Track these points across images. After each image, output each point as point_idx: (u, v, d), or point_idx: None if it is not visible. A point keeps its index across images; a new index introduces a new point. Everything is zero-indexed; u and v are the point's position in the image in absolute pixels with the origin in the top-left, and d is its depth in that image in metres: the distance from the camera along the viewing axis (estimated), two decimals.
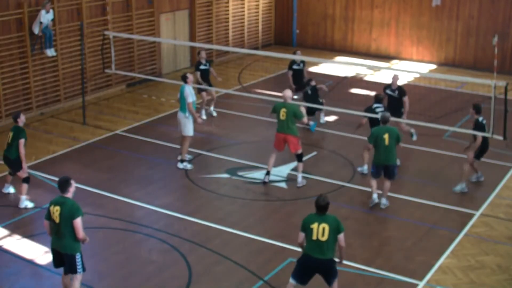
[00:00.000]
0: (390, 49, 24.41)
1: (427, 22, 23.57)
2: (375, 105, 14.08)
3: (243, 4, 24.78)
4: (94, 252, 11.00)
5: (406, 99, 15.03)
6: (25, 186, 12.40)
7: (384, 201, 12.60)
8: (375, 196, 12.64)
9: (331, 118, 17.69)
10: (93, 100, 19.06)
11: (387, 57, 24.21)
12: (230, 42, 24.27)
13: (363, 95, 19.94)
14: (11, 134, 12.28)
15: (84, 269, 9.04)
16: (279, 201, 12.90)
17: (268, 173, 13.62)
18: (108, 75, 19.51)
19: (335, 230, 8.74)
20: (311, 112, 16.65)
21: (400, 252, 11.08)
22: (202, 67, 17.43)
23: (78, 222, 8.69)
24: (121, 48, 19.77)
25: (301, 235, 8.83)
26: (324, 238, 8.66)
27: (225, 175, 14.06)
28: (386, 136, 12.24)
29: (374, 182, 12.62)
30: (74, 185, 8.89)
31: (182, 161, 14.32)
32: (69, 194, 8.83)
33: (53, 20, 17.48)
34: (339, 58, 24.36)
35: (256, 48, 25.35)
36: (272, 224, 11.98)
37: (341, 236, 8.81)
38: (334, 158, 15.15)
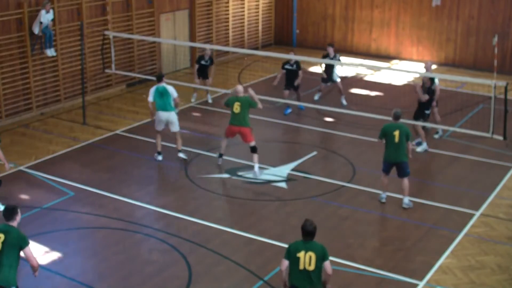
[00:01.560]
0: (390, 49, 24.40)
1: (427, 22, 23.56)
2: None
3: (243, 4, 24.78)
4: (94, 252, 11.01)
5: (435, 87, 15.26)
6: None
7: (406, 200, 12.56)
8: (384, 195, 12.69)
9: (331, 118, 17.69)
10: (93, 100, 19.06)
11: (387, 57, 24.21)
12: (230, 42, 24.27)
13: (363, 95, 19.95)
14: None
15: None
16: (279, 201, 12.90)
17: (221, 155, 14.41)
18: (108, 75, 19.51)
19: (321, 258, 8.21)
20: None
21: (400, 252, 11.08)
22: (203, 62, 18.04)
23: (29, 250, 8.23)
24: (121, 48, 19.77)
25: (285, 263, 8.25)
26: (311, 268, 8.13)
27: (225, 175, 14.06)
28: (396, 133, 12.20)
29: (386, 179, 12.65)
30: (20, 214, 8.47)
31: (179, 151, 14.75)
32: (15, 223, 8.34)
33: (53, 20, 17.48)
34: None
35: (256, 48, 25.34)
36: (272, 224, 11.98)
37: (327, 264, 8.24)
38: (334, 158, 15.15)
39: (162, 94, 14.26)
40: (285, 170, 14.28)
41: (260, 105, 14.00)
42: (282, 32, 26.67)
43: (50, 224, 11.90)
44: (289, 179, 13.90)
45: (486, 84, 13.23)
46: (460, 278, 10.27)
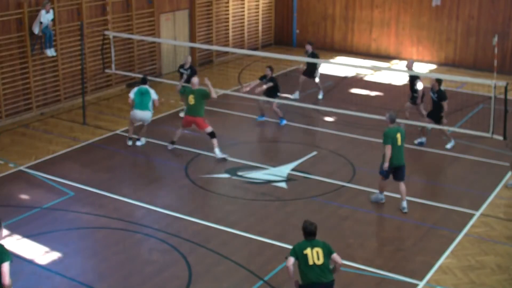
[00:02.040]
0: (390, 49, 24.40)
1: (427, 22, 23.57)
2: None
3: (243, 4, 24.78)
4: (94, 252, 11.01)
5: (445, 103, 15.07)
6: None
7: (404, 204, 12.45)
8: (382, 196, 12.65)
9: (331, 118, 17.69)
10: (93, 100, 19.06)
11: (387, 57, 24.21)
12: (230, 42, 24.27)
13: (363, 95, 19.95)
14: None
15: None
16: (279, 201, 12.90)
17: (173, 142, 15.28)
18: (108, 75, 19.51)
19: (328, 253, 8.53)
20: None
21: (400, 252, 11.08)
22: (182, 70, 17.46)
23: (6, 267, 7.83)
24: (121, 48, 19.77)
25: (291, 259, 8.44)
26: (320, 262, 8.44)
27: (225, 175, 14.07)
28: (398, 136, 12.11)
29: (385, 184, 12.51)
30: (3, 228, 8.19)
31: (138, 139, 15.64)
32: None
33: (53, 20, 17.48)
34: (339, 58, 24.36)
35: (256, 48, 25.34)
36: (272, 224, 11.98)
37: (335, 256, 8.53)
38: (334, 158, 15.15)
39: (143, 94, 15.29)
40: (285, 170, 14.28)
41: (213, 95, 14.85)
42: (282, 32, 26.67)
43: (50, 224, 11.90)
44: (289, 179, 13.90)
45: (486, 84, 13.23)
46: (460, 278, 10.27)
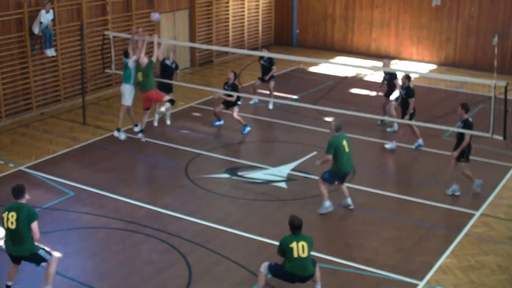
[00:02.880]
0: (390, 49, 24.40)
1: (427, 22, 23.57)
2: None
3: (243, 4, 24.78)
4: (94, 252, 11.01)
5: (411, 100, 15.06)
6: None
7: (349, 200, 12.48)
8: (330, 203, 12.38)
9: (331, 118, 17.68)
10: (93, 100, 19.06)
11: (387, 57, 24.13)
12: (230, 42, 24.26)
13: (363, 95, 19.95)
14: None
15: (51, 255, 9.37)
16: (279, 201, 12.90)
17: (137, 125, 15.74)
18: (108, 75, 19.51)
19: (311, 246, 9.25)
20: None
21: (400, 252, 11.08)
22: (167, 61, 17.03)
23: (35, 225, 9.07)
24: (121, 48, 19.74)
25: (283, 260, 9.26)
26: (305, 255, 9.12)
27: (225, 175, 14.07)
28: (344, 143, 12.15)
29: (327, 189, 12.30)
30: (27, 195, 9.30)
31: (118, 129, 15.79)
32: (24, 200, 9.21)
33: (53, 20, 17.47)
34: (339, 58, 24.36)
35: (256, 48, 25.35)
36: (272, 224, 11.98)
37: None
38: None
39: (124, 67, 15.63)
40: (285, 170, 14.28)
41: (155, 54, 15.39)
42: (282, 32, 26.67)
43: (50, 224, 11.89)
44: (289, 179, 13.90)
45: (486, 84, 13.22)
46: (460, 278, 10.27)
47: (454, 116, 17.50)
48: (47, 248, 9.40)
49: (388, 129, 16.61)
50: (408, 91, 15.12)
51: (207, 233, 11.60)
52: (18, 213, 9.02)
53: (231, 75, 16.42)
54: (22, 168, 14.25)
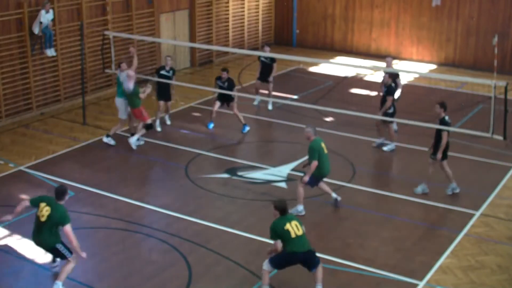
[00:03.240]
0: (390, 49, 24.40)
1: (427, 22, 23.57)
2: None
3: (243, 4, 24.78)
4: (94, 252, 11.01)
5: (389, 98, 15.16)
6: None
7: (335, 194, 12.57)
8: (302, 207, 12.40)
9: (331, 118, 17.68)
10: (93, 100, 19.06)
11: (389, 56, 24.15)
12: (230, 42, 24.27)
13: (363, 95, 19.95)
14: None
15: (71, 252, 9.62)
16: None
17: (108, 136, 15.55)
18: (108, 75, 19.51)
19: (301, 224, 9.62)
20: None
21: (400, 252, 11.08)
22: (163, 72, 16.69)
23: (69, 228, 9.38)
24: (121, 48, 19.77)
25: (278, 243, 9.42)
26: (300, 232, 9.45)
27: (225, 175, 14.06)
28: (323, 145, 12.17)
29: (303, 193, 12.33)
30: (68, 193, 9.79)
31: (107, 135, 15.67)
32: (63, 202, 9.59)
33: (53, 20, 17.47)
34: (339, 58, 24.36)
35: (256, 48, 25.35)
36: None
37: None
38: (334, 158, 15.12)
39: (117, 81, 15.77)
40: (285, 170, 14.28)
41: (134, 66, 15.63)
42: (282, 32, 26.67)
43: None
44: (289, 179, 13.90)
45: (486, 84, 13.22)
46: (460, 278, 10.27)
47: (454, 115, 17.56)
48: (70, 246, 9.59)
49: (384, 148, 16.08)
50: (389, 89, 15.16)
51: (207, 233, 11.60)
52: (53, 211, 9.39)
53: (225, 74, 16.32)
54: (22, 168, 14.25)
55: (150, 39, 19.63)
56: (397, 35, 24.23)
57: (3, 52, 16.80)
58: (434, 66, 23.35)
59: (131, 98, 15.15)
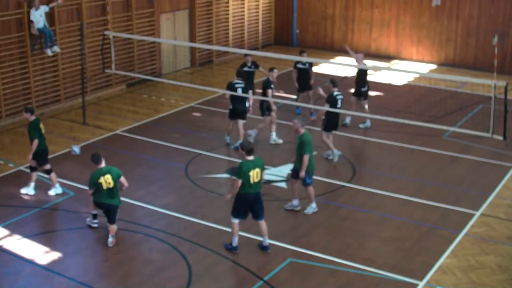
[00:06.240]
0: (390, 49, 24.41)
1: (427, 22, 23.57)
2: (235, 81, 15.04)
3: (243, 4, 24.78)
4: (94, 252, 11.01)
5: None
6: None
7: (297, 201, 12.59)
8: (297, 202, 12.51)
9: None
10: (93, 100, 19.06)
11: (387, 57, 24.21)
12: (230, 42, 24.27)
13: None
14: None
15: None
16: (279, 201, 12.89)
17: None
18: (108, 75, 19.51)
19: (263, 170, 10.69)
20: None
21: (400, 252, 11.08)
22: (246, 69, 16.84)
23: (123, 178, 11.14)
24: (121, 48, 19.77)
25: (239, 182, 10.46)
26: (257, 179, 10.56)
27: (225, 175, 14.06)
28: (310, 139, 12.29)
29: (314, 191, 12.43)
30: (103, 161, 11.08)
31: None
32: (104, 163, 11.06)
33: (46, 13, 17.15)
34: (339, 58, 24.35)
35: (256, 48, 25.35)
36: (272, 224, 11.95)
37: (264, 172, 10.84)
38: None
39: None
40: (285, 170, 14.27)
41: None
42: (282, 32, 26.67)
43: (50, 224, 11.89)
44: (289, 179, 13.87)
45: (486, 84, 13.22)
46: (460, 278, 10.27)
47: (454, 115, 17.57)
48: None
49: (360, 125, 16.88)
50: (329, 97, 14.79)
51: (207, 233, 11.60)
52: (111, 174, 10.94)
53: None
54: (22, 168, 14.24)
55: (150, 39, 19.63)
56: (397, 35, 24.23)
57: (3, 52, 16.79)
58: (434, 66, 23.34)
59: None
